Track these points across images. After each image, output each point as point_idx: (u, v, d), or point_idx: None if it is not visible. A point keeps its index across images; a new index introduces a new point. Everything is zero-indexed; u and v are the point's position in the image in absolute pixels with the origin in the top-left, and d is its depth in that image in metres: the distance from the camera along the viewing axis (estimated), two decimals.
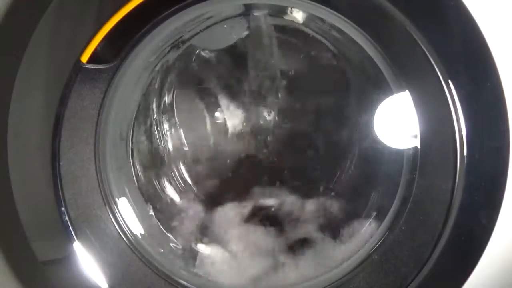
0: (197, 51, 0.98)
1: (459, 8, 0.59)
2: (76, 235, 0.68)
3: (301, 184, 1.01)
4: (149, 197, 0.89)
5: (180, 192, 1.00)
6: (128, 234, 0.72)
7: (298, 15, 0.84)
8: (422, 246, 0.62)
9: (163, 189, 0.97)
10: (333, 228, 0.86)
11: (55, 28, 0.66)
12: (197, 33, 0.87)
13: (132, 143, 0.88)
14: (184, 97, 1.05)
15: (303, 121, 1.06)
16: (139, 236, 0.75)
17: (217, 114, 1.07)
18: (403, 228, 0.63)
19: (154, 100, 0.99)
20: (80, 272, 0.68)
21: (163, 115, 1.02)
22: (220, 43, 0.91)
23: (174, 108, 1.04)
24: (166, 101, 1.03)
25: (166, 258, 0.77)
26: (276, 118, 1.06)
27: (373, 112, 0.77)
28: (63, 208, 0.67)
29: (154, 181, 0.96)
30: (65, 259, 0.68)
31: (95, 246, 0.69)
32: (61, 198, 0.67)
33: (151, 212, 0.87)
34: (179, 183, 1.02)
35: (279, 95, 1.04)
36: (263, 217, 0.95)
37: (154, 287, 0.70)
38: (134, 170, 0.88)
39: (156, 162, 1.00)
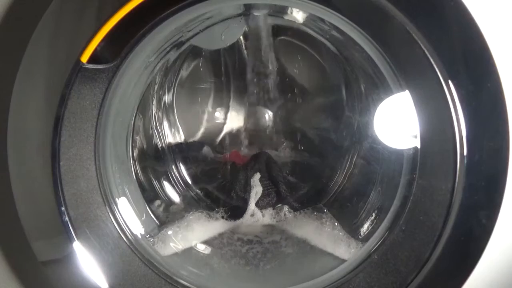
0: (197, 51, 0.98)
1: (459, 8, 0.59)
2: (76, 235, 0.68)
3: (300, 185, 1.01)
4: (149, 197, 0.89)
5: (179, 191, 1.00)
6: (128, 234, 0.72)
7: (298, 15, 0.84)
8: (422, 246, 0.62)
9: (163, 188, 0.97)
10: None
11: (55, 28, 0.66)
12: (197, 33, 0.87)
13: (132, 142, 0.88)
14: (184, 96, 1.05)
15: (302, 121, 1.06)
16: (139, 236, 0.75)
17: (216, 113, 1.07)
18: (403, 228, 0.63)
19: (154, 99, 0.99)
20: (80, 272, 0.68)
21: (163, 114, 1.02)
22: (220, 43, 0.91)
23: (174, 108, 1.04)
24: (166, 101, 1.03)
25: (166, 258, 0.77)
26: (276, 117, 1.06)
27: (373, 112, 0.77)
28: (63, 208, 0.67)
29: (154, 181, 0.96)
30: (65, 259, 0.68)
31: (95, 246, 0.68)
32: (61, 198, 0.67)
33: (151, 212, 0.87)
34: (179, 183, 1.02)
35: (279, 95, 1.04)
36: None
37: (154, 287, 0.70)
38: (134, 170, 0.88)
39: (156, 162, 1.00)
